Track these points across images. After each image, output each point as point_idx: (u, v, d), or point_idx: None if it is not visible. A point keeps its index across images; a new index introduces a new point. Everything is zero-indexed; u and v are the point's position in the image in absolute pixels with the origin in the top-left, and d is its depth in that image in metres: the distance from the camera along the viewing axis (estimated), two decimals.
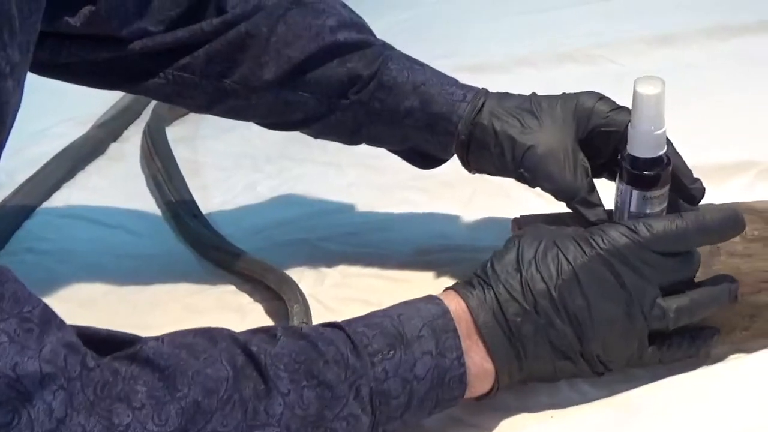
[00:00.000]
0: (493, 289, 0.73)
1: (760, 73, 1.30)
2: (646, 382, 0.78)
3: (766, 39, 1.37)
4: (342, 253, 0.97)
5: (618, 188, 0.81)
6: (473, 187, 1.04)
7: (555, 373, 0.74)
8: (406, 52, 0.92)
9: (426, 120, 0.87)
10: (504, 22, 1.46)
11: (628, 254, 0.73)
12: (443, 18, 1.50)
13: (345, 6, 0.90)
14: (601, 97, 0.86)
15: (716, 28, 1.39)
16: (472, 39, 1.42)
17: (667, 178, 0.81)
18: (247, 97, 0.87)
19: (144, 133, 1.18)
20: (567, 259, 0.73)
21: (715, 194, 0.93)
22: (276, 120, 0.90)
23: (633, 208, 0.81)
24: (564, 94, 0.87)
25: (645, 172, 0.80)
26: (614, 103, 0.85)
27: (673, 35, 1.38)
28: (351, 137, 0.91)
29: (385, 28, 1.33)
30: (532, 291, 0.72)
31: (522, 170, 0.85)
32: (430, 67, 0.90)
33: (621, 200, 0.82)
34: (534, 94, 0.88)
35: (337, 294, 0.92)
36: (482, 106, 0.87)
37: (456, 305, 0.73)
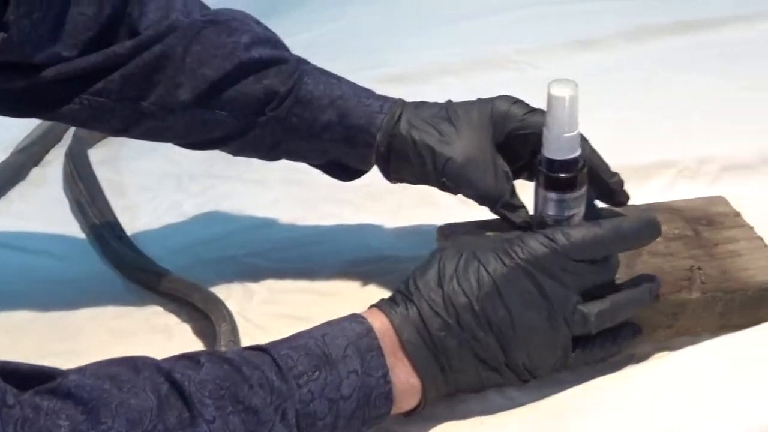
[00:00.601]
0: (416, 305, 0.73)
1: (677, 75, 1.32)
2: (574, 385, 0.78)
3: (682, 41, 1.40)
4: (269, 269, 0.97)
5: (536, 192, 0.82)
6: (399, 198, 1.04)
7: (481, 383, 0.75)
8: (331, 65, 0.92)
9: (344, 133, 0.87)
10: (428, 31, 1.47)
11: (547, 263, 0.74)
12: (367, 30, 1.50)
13: (259, 23, 0.90)
14: (516, 101, 0.86)
15: (634, 32, 1.41)
16: (396, 49, 1.42)
17: (584, 179, 0.81)
18: (164, 118, 0.87)
19: (66, 156, 1.17)
20: (487, 272, 0.73)
21: (635, 195, 0.94)
22: (194, 140, 0.90)
23: (551, 211, 0.82)
24: (479, 99, 0.87)
25: (561, 175, 0.80)
26: (528, 105, 0.86)
27: (592, 40, 1.40)
28: (270, 153, 0.91)
29: (310, 41, 1.36)
30: (455, 305, 0.73)
31: (444, 179, 0.86)
32: (347, 80, 0.90)
33: (539, 204, 0.82)
34: (450, 101, 0.88)
35: (265, 311, 0.91)
36: (399, 116, 0.87)
37: (380, 323, 0.73)
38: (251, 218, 1.07)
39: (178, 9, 0.87)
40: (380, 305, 0.74)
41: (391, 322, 0.73)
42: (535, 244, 0.74)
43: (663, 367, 0.80)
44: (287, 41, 0.92)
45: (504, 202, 0.85)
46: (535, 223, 0.83)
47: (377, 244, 1.00)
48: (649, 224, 0.79)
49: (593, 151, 0.86)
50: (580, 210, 0.82)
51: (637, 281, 0.80)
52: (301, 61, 0.90)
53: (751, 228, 0.91)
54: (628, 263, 0.85)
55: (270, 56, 0.87)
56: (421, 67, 1.35)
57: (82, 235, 1.06)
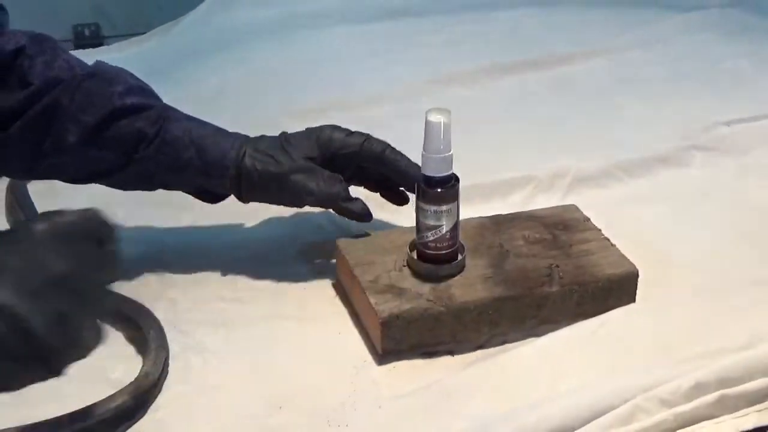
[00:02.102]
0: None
1: (532, 103, 1.34)
2: (458, 370, 0.81)
3: (533, 75, 1.41)
4: (190, 279, 0.96)
5: (417, 206, 0.86)
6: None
7: None
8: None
9: (203, 168, 0.93)
10: (320, 70, 1.44)
11: None
12: (276, 70, 1.45)
13: (133, 76, 0.94)
14: (336, 127, 0.94)
15: (492, 68, 1.42)
16: (296, 87, 1.38)
17: (456, 194, 0.85)
18: (60, 156, 0.90)
19: (7, 189, 1.12)
20: None
21: (501, 206, 1.00)
22: (84, 174, 0.94)
23: (430, 221, 0.85)
24: (308, 129, 0.95)
25: (438, 190, 0.84)
26: (348, 130, 0.94)
27: (457, 75, 1.40)
28: (149, 185, 0.96)
29: (220, 87, 1.35)
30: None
31: (288, 196, 0.93)
32: (206, 123, 0.95)
33: (420, 216, 0.86)
34: (283, 133, 0.95)
35: (189, 318, 0.90)
36: (245, 152, 0.93)
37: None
38: (176, 233, 1.04)
39: (61, 64, 0.90)
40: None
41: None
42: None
43: (531, 351, 0.82)
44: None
45: (342, 198, 0.92)
46: (417, 234, 0.87)
47: (292, 250, 1.00)
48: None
49: (402, 156, 0.92)
50: (454, 222, 0.85)
51: None
52: (167, 108, 0.95)
53: (599, 230, 0.94)
54: (497, 263, 0.89)
55: (140, 103, 0.92)
56: (313, 104, 1.30)
57: None
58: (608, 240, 0.92)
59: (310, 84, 1.38)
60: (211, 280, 0.96)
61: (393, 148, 0.94)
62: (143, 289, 0.94)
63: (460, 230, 0.88)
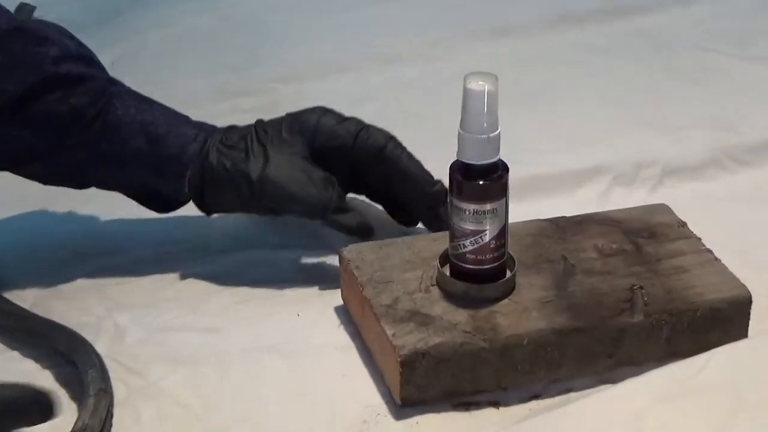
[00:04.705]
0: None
1: (607, 66, 1.34)
2: (507, 425, 0.81)
3: (609, 29, 1.43)
4: (144, 303, 0.96)
5: (450, 205, 0.84)
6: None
7: None
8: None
9: (155, 163, 0.92)
10: (315, 23, 1.47)
11: None
12: (246, 23, 1.50)
13: (73, 38, 0.93)
14: (326, 112, 0.93)
15: (557, 20, 1.44)
16: (281, 44, 1.42)
17: (503, 188, 0.83)
18: None
19: None
20: None
21: (565, 205, 0.98)
22: None
23: (468, 225, 0.83)
24: (288, 114, 0.94)
25: (479, 182, 0.82)
26: (340, 115, 0.93)
27: (511, 28, 1.38)
28: (79, 181, 0.95)
29: (181, 33, 1.41)
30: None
31: (264, 202, 0.92)
32: (162, 105, 0.95)
33: (454, 218, 0.84)
34: (259, 120, 0.95)
35: (140, 352, 0.90)
36: (209, 146, 0.93)
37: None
38: (128, 236, 1.05)
39: None
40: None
41: None
42: None
43: (604, 404, 0.80)
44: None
45: (334, 207, 0.91)
46: (450, 239, 0.85)
47: (283, 261, 1.01)
48: None
49: (410, 157, 0.93)
50: (500, 226, 0.84)
51: None
52: (113, 82, 0.93)
53: (699, 239, 0.92)
54: (559, 283, 0.87)
55: (79, 73, 0.90)
56: (312, 65, 1.34)
57: None
58: (711, 252, 0.91)
59: (296, 38, 1.39)
60: (172, 301, 0.95)
61: (398, 143, 0.93)
62: (81, 312, 0.92)
63: (510, 237, 0.86)
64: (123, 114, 0.91)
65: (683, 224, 0.94)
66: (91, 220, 1.07)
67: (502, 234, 0.84)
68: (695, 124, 1.19)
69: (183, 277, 0.98)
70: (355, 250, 0.91)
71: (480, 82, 0.79)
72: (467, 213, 0.83)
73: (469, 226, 0.83)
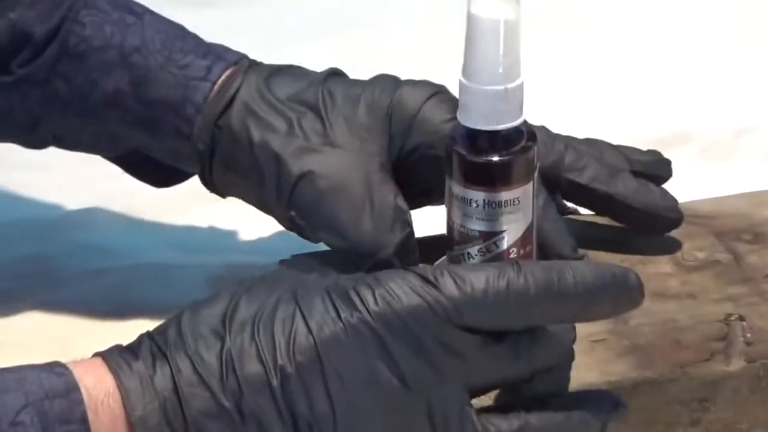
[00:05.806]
0: (169, 364, 0.62)
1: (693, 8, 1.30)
2: None
3: None
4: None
5: (447, 192, 0.72)
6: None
7: None
8: None
9: (142, 112, 0.80)
10: None
11: (416, 326, 0.62)
12: None
13: None
14: (436, 92, 0.77)
15: None
16: None
17: (530, 167, 0.71)
18: None
19: None
20: (308, 327, 0.62)
21: None
22: None
23: (474, 224, 0.71)
24: (376, 78, 0.79)
25: (492, 158, 0.69)
26: (455, 103, 0.74)
27: None
28: (30, 136, 0.85)
29: None
30: (239, 375, 0.62)
31: (293, 213, 0.77)
32: (159, 18, 0.83)
33: (451, 212, 0.73)
34: (332, 72, 0.80)
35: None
36: (236, 92, 0.78)
37: (97, 381, 0.62)
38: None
39: None
40: (107, 355, 0.64)
41: (119, 384, 0.62)
42: (401, 289, 0.63)
43: None
44: None
45: (383, 260, 0.75)
46: (449, 245, 0.73)
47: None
48: (620, 282, 0.66)
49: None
50: (526, 224, 0.72)
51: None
52: None
53: None
54: (620, 317, 0.77)
55: None
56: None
57: None
58: None
59: None
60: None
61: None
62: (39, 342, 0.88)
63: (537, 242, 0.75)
64: (93, 34, 0.80)
65: None
66: None
67: (527, 238, 0.72)
68: None
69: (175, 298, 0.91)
70: (293, 261, 0.82)
71: (493, 8, 0.67)
72: (475, 205, 0.70)
73: (478, 226, 0.70)
